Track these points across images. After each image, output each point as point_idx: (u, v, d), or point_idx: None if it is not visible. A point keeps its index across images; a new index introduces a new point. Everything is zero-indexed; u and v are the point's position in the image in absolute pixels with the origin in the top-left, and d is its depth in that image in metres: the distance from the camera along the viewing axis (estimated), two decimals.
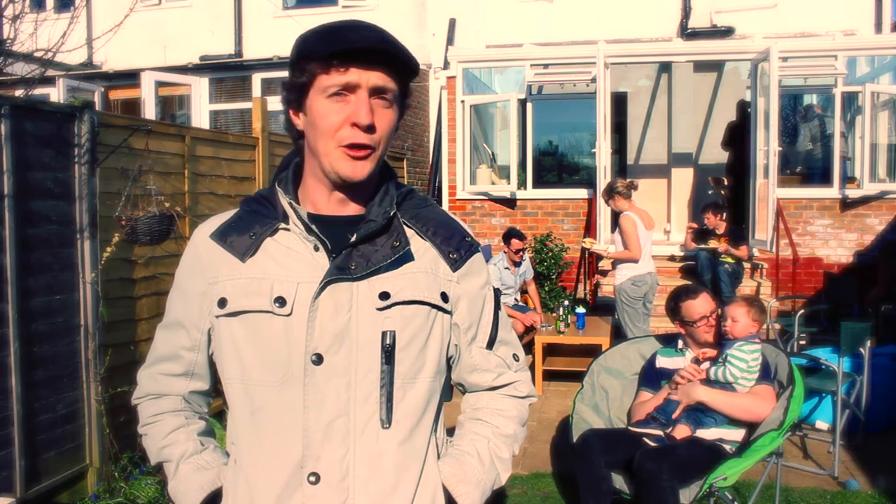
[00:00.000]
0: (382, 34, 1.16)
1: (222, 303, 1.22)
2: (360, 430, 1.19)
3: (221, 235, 1.25)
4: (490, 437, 1.35)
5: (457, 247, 1.29)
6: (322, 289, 1.18)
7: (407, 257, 1.24)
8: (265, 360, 1.20)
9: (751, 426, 3.30)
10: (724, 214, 7.73)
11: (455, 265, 1.28)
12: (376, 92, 1.17)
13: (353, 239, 1.21)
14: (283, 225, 1.24)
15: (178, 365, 1.32)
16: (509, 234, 6.80)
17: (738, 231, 7.88)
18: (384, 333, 1.20)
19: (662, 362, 3.66)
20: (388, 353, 1.20)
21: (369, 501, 1.20)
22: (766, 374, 3.39)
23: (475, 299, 1.32)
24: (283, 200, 1.24)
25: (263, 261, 1.22)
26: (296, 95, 1.21)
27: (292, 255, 1.22)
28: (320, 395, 1.18)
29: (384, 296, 1.20)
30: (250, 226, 1.25)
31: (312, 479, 1.18)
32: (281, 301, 1.19)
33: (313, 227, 1.21)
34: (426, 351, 1.24)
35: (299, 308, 1.18)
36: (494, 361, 1.36)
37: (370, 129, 1.16)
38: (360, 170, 1.18)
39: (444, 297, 1.26)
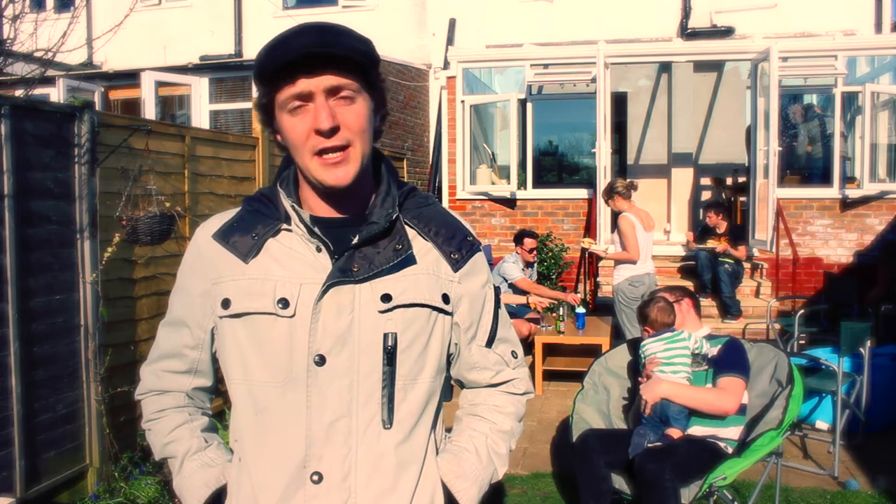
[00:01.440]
0: (322, 34, 1.13)
1: (226, 304, 1.22)
2: (363, 430, 1.20)
3: (224, 235, 1.25)
4: (487, 433, 1.36)
5: (458, 247, 1.29)
6: (325, 291, 1.18)
7: (409, 260, 1.24)
8: (268, 362, 1.20)
9: (748, 425, 3.30)
10: (724, 214, 7.73)
11: (457, 265, 1.28)
12: (333, 92, 1.15)
13: (356, 241, 1.21)
14: (285, 226, 1.24)
15: (182, 362, 1.32)
16: (521, 235, 6.84)
17: (738, 231, 7.88)
18: (386, 335, 1.20)
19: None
20: (390, 355, 1.21)
21: (370, 500, 1.21)
22: (737, 366, 3.34)
23: (476, 298, 1.32)
24: (286, 202, 1.24)
25: (266, 262, 1.22)
26: (265, 116, 1.21)
27: (295, 256, 1.22)
28: (323, 396, 1.19)
29: (386, 298, 1.20)
30: (253, 226, 1.25)
31: (315, 478, 1.19)
32: (284, 303, 1.19)
33: (315, 229, 1.21)
34: (427, 352, 1.25)
35: (302, 310, 1.19)
36: (493, 359, 1.37)
37: (333, 131, 1.15)
38: (341, 175, 1.18)
39: (446, 298, 1.27)
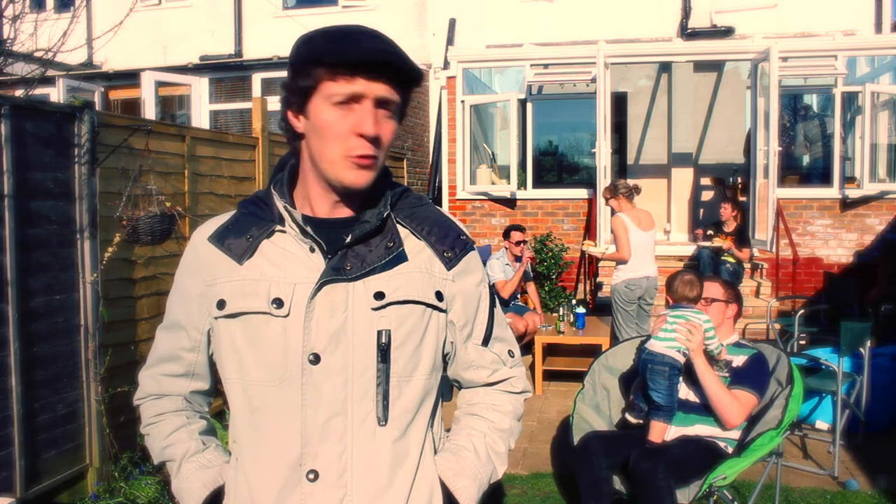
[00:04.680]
0: (390, 45, 1.16)
1: (221, 304, 1.24)
2: (357, 427, 1.21)
3: (219, 238, 1.27)
4: (486, 431, 1.37)
5: (451, 245, 1.29)
6: (318, 289, 1.19)
7: (401, 257, 1.25)
8: (263, 361, 1.21)
9: (748, 425, 3.29)
10: (740, 213, 7.73)
11: (450, 264, 1.29)
12: (381, 103, 1.17)
13: (348, 240, 1.22)
14: (279, 227, 1.25)
15: (179, 365, 1.33)
16: (508, 229, 6.92)
17: (746, 232, 7.88)
18: (380, 332, 1.21)
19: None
20: (384, 352, 1.21)
21: (366, 498, 1.22)
22: (756, 383, 3.30)
23: (470, 297, 1.33)
24: (279, 203, 1.25)
25: (260, 263, 1.23)
26: (298, 98, 1.19)
27: (289, 256, 1.23)
28: (318, 394, 1.20)
29: (379, 295, 1.21)
30: (247, 228, 1.26)
31: (311, 476, 1.20)
32: (278, 302, 1.20)
33: (308, 228, 1.22)
34: (421, 349, 1.26)
35: (296, 309, 1.20)
36: (490, 358, 1.37)
37: (376, 140, 1.17)
38: (362, 178, 1.19)
39: (439, 295, 1.27)
